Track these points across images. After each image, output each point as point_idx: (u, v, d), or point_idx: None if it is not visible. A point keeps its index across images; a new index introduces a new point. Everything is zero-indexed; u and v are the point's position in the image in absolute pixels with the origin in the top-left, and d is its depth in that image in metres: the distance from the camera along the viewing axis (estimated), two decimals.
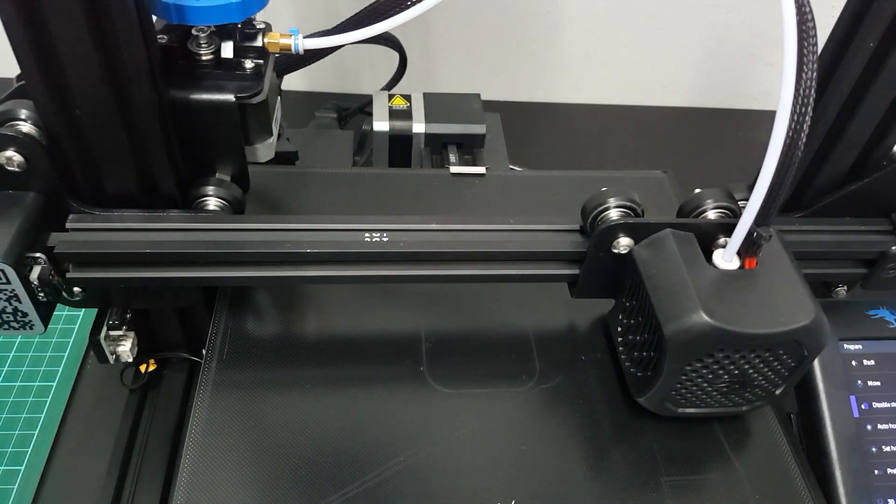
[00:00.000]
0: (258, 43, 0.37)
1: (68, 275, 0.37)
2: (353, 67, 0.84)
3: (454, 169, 0.52)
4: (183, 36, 0.36)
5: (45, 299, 0.37)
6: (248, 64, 0.37)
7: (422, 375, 0.40)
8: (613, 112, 0.86)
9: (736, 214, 0.37)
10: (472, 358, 0.41)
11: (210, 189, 0.39)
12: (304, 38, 0.37)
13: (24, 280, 0.35)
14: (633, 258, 0.37)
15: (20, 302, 0.36)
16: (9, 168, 0.35)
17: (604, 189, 0.38)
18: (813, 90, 0.30)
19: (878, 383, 0.42)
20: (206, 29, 0.36)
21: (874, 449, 0.40)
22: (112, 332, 0.42)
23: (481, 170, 0.52)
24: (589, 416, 0.38)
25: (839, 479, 0.39)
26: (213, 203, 0.39)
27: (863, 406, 0.41)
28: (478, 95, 0.63)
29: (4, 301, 0.36)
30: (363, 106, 0.64)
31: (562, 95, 0.86)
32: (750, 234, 0.33)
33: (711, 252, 0.36)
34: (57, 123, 0.34)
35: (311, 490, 0.35)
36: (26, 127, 0.35)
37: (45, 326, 0.38)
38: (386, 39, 0.61)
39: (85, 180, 0.37)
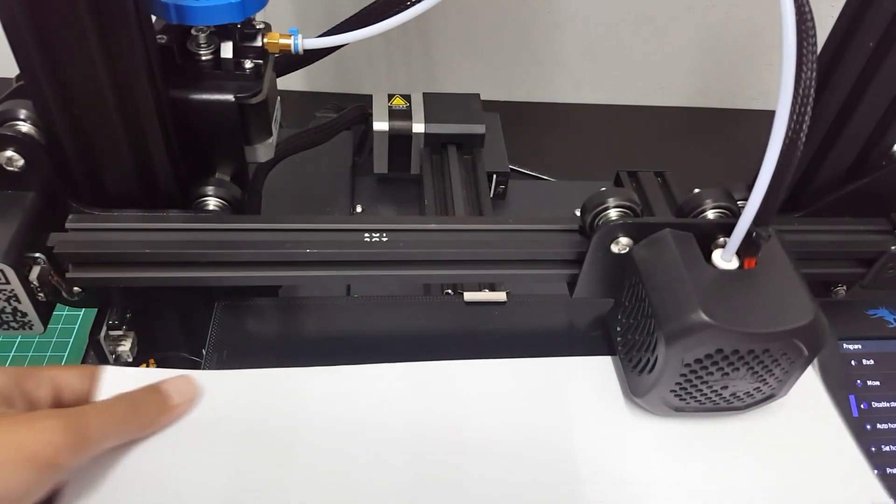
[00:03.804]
0: (258, 43, 0.37)
1: (68, 275, 0.37)
2: (353, 67, 0.84)
3: (469, 296, 0.44)
4: (182, 36, 0.36)
5: (44, 299, 0.37)
6: (248, 64, 0.37)
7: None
8: (613, 112, 0.86)
9: (735, 214, 0.37)
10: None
11: (210, 189, 0.39)
12: (304, 38, 0.37)
13: (24, 280, 0.35)
14: (632, 258, 0.37)
15: (20, 302, 0.36)
16: (9, 168, 0.35)
17: (603, 189, 0.38)
18: (812, 90, 0.30)
19: (877, 383, 0.42)
20: (206, 29, 0.36)
21: (873, 448, 0.40)
22: (112, 332, 0.42)
23: (501, 296, 0.44)
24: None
25: None
26: (212, 203, 0.39)
27: (862, 406, 0.41)
28: (477, 95, 0.63)
29: (4, 301, 0.36)
30: (362, 115, 0.64)
31: (562, 95, 0.87)
32: (749, 233, 0.33)
33: (710, 252, 0.36)
34: (56, 123, 0.34)
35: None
36: (26, 127, 0.35)
37: (45, 326, 0.38)
38: (349, 120, 0.62)
39: (85, 180, 0.37)
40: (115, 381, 0.35)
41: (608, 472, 0.36)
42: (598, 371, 0.40)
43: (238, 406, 0.36)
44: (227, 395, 0.36)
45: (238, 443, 0.35)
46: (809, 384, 0.39)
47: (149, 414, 0.34)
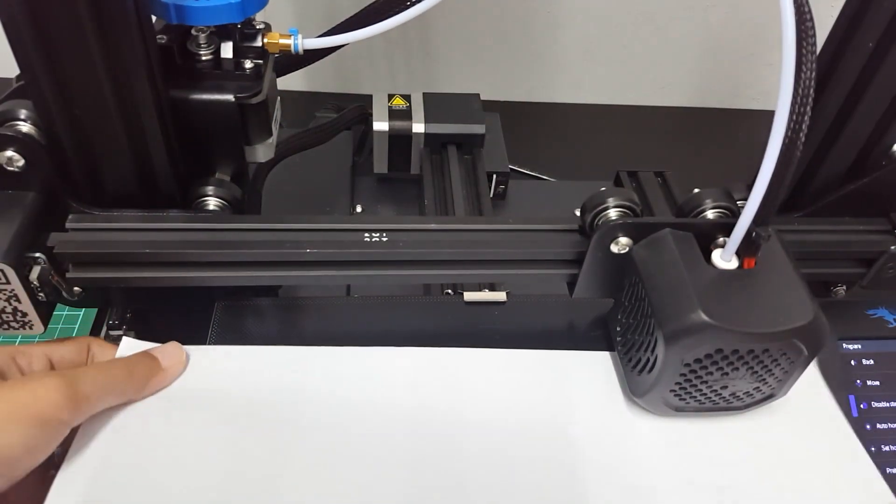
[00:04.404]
0: (258, 43, 0.37)
1: (68, 275, 0.37)
2: (353, 67, 0.84)
3: (469, 296, 0.44)
4: (182, 36, 0.36)
5: (44, 299, 0.37)
6: (248, 64, 0.37)
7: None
8: (613, 112, 0.86)
9: (735, 214, 0.37)
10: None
11: (210, 189, 0.39)
12: (304, 38, 0.37)
13: (24, 280, 0.35)
14: (632, 258, 0.37)
15: (20, 302, 0.36)
16: (9, 168, 0.35)
17: (603, 189, 0.38)
18: (812, 90, 0.30)
19: (877, 383, 0.42)
20: (206, 29, 0.36)
21: (873, 448, 0.40)
22: (112, 332, 0.42)
23: (501, 296, 0.44)
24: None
25: None
26: (212, 203, 0.39)
27: (862, 406, 0.42)
28: (477, 95, 0.63)
29: (4, 301, 0.36)
30: (362, 115, 0.64)
31: (562, 95, 0.87)
32: (749, 233, 0.33)
33: (710, 252, 0.36)
34: (56, 123, 0.34)
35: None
36: (26, 127, 0.35)
37: (45, 326, 0.38)
38: (349, 120, 0.62)
39: (85, 180, 0.37)
40: (128, 350, 0.38)
41: (606, 460, 0.36)
42: (599, 364, 0.40)
43: (241, 380, 0.38)
44: (231, 368, 0.38)
45: (239, 416, 0.36)
46: (812, 383, 0.39)
47: (142, 375, 0.35)
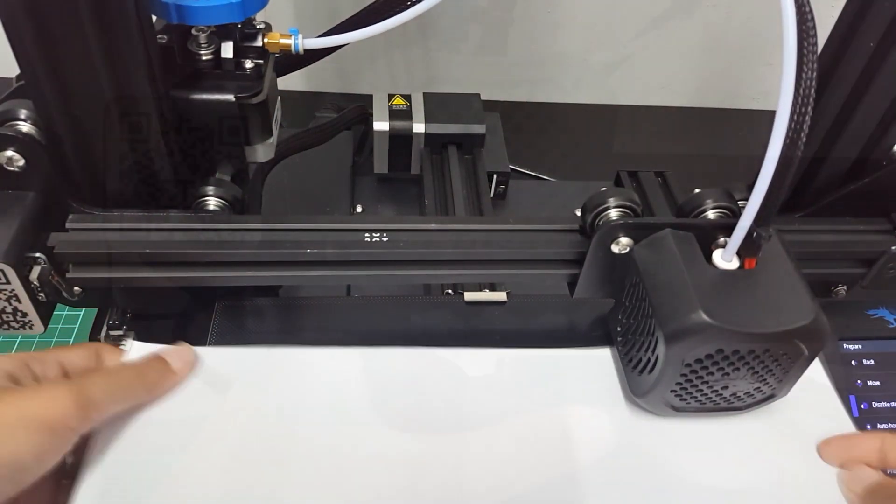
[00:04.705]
0: (258, 43, 0.37)
1: (68, 275, 0.37)
2: (353, 67, 0.84)
3: (469, 296, 0.44)
4: (183, 36, 0.36)
5: (44, 299, 0.37)
6: (248, 64, 0.37)
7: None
8: (613, 112, 0.86)
9: (735, 214, 0.37)
10: None
11: (210, 189, 0.39)
12: (304, 38, 0.37)
13: (24, 280, 0.35)
14: (632, 258, 0.37)
15: (20, 302, 0.36)
16: (9, 168, 0.35)
17: (603, 189, 0.38)
18: (813, 90, 0.30)
19: (877, 383, 0.42)
20: (206, 29, 0.36)
21: None
22: (112, 332, 0.42)
23: (501, 296, 0.44)
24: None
25: None
26: (213, 203, 0.39)
27: (862, 406, 0.42)
28: (478, 95, 0.63)
29: (4, 301, 0.36)
30: (362, 115, 0.64)
31: (562, 95, 0.86)
32: (749, 233, 0.33)
33: (711, 252, 0.36)
34: (57, 123, 0.34)
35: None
36: (26, 127, 0.35)
37: (45, 326, 0.38)
38: (349, 120, 0.62)
39: (85, 180, 0.37)
40: (137, 353, 0.37)
41: (607, 460, 0.36)
42: (600, 363, 0.40)
43: (245, 381, 0.38)
44: (235, 369, 0.38)
45: (244, 417, 0.36)
46: (816, 381, 0.39)
47: (152, 378, 0.35)
